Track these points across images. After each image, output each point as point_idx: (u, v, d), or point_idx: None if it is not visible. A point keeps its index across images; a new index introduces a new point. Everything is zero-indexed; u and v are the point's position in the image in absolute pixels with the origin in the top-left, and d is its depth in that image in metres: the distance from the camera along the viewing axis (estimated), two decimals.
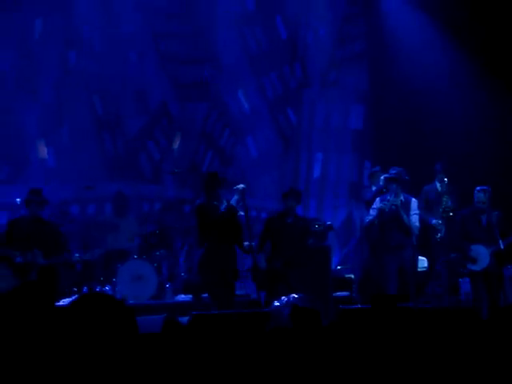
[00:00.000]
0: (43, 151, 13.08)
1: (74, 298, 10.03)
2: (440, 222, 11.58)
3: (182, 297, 11.54)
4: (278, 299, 9.58)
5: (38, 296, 3.14)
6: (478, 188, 10.49)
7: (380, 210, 10.50)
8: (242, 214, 9.79)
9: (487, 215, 10.42)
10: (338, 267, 12.90)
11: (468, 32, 12.98)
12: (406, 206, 10.55)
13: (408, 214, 10.50)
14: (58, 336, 2.75)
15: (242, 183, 9.76)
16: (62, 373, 2.70)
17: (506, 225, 10.53)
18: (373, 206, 10.68)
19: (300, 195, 10.39)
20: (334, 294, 11.45)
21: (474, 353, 3.91)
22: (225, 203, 9.59)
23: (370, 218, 10.68)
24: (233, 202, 9.60)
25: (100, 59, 13.35)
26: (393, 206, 10.44)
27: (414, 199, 10.66)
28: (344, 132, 14.46)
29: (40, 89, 13.06)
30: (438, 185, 11.87)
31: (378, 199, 10.70)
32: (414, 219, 10.54)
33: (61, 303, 9.62)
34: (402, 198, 10.55)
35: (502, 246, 10.16)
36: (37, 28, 13.15)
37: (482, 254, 10.20)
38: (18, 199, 10.31)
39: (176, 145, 13.72)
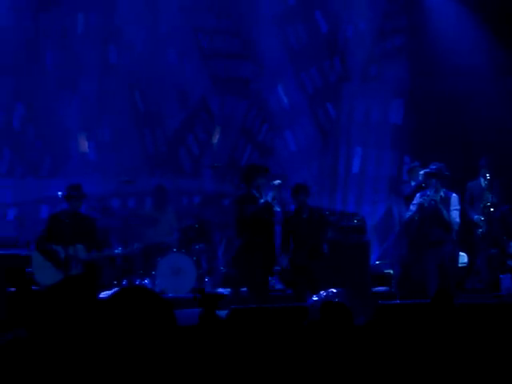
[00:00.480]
0: (84, 145, 13.22)
1: (113, 291, 10.14)
2: (482, 217, 11.51)
3: (221, 290, 11.59)
4: (317, 294, 9.61)
5: (81, 290, 3.19)
6: None
7: (420, 206, 10.47)
8: (279, 209, 9.84)
9: None
10: (377, 262, 12.87)
11: None
12: (446, 201, 10.50)
13: (448, 210, 10.45)
14: (99, 329, 2.79)
15: (281, 178, 9.80)
16: (103, 364, 2.74)
17: None
18: (413, 202, 10.65)
19: (308, 189, 10.45)
20: (372, 290, 11.43)
21: None
22: (264, 198, 9.65)
23: (410, 213, 10.65)
24: (268, 198, 9.66)
25: (141, 55, 13.46)
26: (432, 202, 10.40)
27: (454, 194, 10.60)
28: (383, 127, 14.39)
29: (81, 84, 13.20)
30: (482, 180, 11.79)
31: (417, 194, 10.67)
32: (455, 215, 10.49)
33: (101, 296, 9.72)
34: (441, 193, 10.51)
35: None
36: (79, 24, 13.28)
37: None
38: (60, 193, 10.43)
39: (215, 139, 13.78)
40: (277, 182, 9.78)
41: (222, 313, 7.18)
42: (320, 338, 4.17)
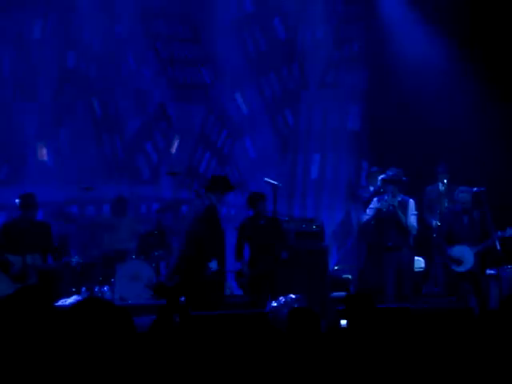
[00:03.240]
0: (42, 152, 13.12)
1: (72, 299, 10.08)
2: (439, 223, 11.64)
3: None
4: (276, 300, 9.65)
5: (38, 299, 3.18)
6: (462, 189, 10.49)
7: (377, 210, 10.57)
8: None
9: (469, 215, 10.37)
10: (336, 267, 12.93)
11: (469, 33, 12.98)
12: (404, 206, 10.59)
13: (405, 215, 10.55)
14: (57, 339, 2.79)
15: (240, 184, 9.88)
16: (60, 374, 2.75)
17: (502, 222, 10.45)
18: (370, 206, 10.73)
19: (265, 196, 10.53)
20: (331, 295, 11.49)
21: (472, 352, 3.95)
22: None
23: (367, 217, 10.74)
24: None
25: (99, 61, 13.40)
26: (390, 207, 10.50)
27: (411, 200, 10.70)
28: (341, 133, 14.48)
29: (39, 90, 13.10)
30: (440, 185, 11.96)
31: (375, 199, 10.76)
32: (412, 220, 10.58)
33: (59, 303, 9.66)
34: (399, 198, 10.60)
35: (479, 249, 10.14)
36: (36, 29, 13.18)
37: (466, 255, 10.17)
38: (17, 200, 10.35)
39: (174, 146, 13.76)
40: None
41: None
42: (287, 344, 4.20)
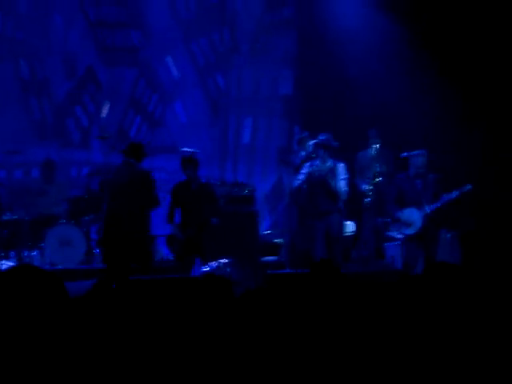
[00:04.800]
0: None
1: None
2: (369, 187, 11.76)
3: None
4: (207, 264, 9.69)
5: None
6: (416, 152, 10.36)
7: (308, 175, 10.62)
8: None
9: (423, 179, 10.40)
10: (267, 232, 13.00)
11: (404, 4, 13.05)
12: (334, 171, 10.66)
13: (336, 180, 10.61)
14: None
15: (171, 149, 9.84)
16: None
17: (442, 188, 10.51)
18: (301, 171, 10.78)
19: (197, 161, 10.53)
20: (262, 259, 11.56)
21: (406, 314, 4.00)
22: None
23: (298, 182, 10.77)
24: None
25: (26, 22, 13.13)
26: (320, 172, 10.57)
27: (341, 164, 10.75)
28: (273, 98, 14.49)
29: None
30: (371, 150, 12.06)
31: (306, 164, 10.79)
32: (342, 184, 10.64)
33: None
34: (330, 163, 10.66)
35: (428, 210, 10.19)
36: None
37: (415, 218, 10.22)
38: None
39: (105, 110, 13.62)
40: None
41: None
42: (202, 309, 4.20)
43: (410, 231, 10.22)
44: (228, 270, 9.45)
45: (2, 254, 11.01)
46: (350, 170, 11.23)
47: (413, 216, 10.18)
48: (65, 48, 13.43)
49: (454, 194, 10.12)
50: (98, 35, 13.66)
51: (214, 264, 9.64)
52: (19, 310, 2.79)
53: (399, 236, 10.52)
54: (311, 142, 11.09)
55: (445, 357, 3.59)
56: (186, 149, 11.21)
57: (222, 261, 9.67)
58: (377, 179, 11.82)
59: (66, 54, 13.44)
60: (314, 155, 10.90)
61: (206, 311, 4.14)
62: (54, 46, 13.32)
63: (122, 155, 9.88)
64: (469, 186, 10.09)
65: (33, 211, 11.56)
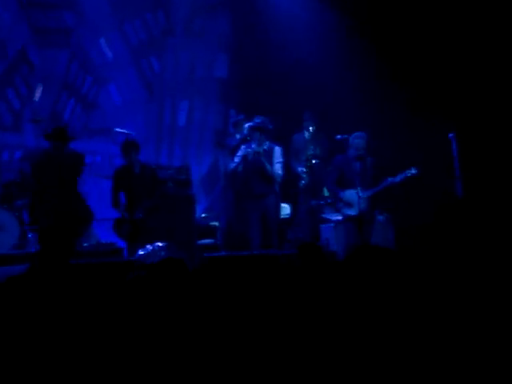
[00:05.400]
0: None
1: None
2: (304, 169, 11.82)
3: None
4: (143, 248, 9.64)
5: None
6: (357, 134, 10.28)
7: (243, 158, 10.65)
8: None
9: (362, 162, 10.40)
10: (203, 215, 12.98)
11: None
12: (270, 154, 10.70)
13: (271, 163, 10.66)
14: None
15: (106, 131, 9.76)
16: None
17: (381, 171, 10.53)
18: (237, 154, 10.80)
19: (138, 145, 10.50)
20: (198, 242, 11.55)
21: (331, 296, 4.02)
22: None
23: (234, 165, 10.81)
24: None
25: None
26: (256, 155, 10.59)
27: (277, 147, 10.81)
28: (209, 80, 14.45)
29: None
30: (306, 133, 12.12)
31: (242, 147, 10.82)
32: (277, 167, 10.70)
33: None
34: (265, 146, 10.70)
35: (368, 194, 10.20)
36: None
37: (355, 199, 10.23)
38: None
39: (37, 93, 13.40)
40: None
41: None
42: (147, 291, 4.19)
43: (351, 212, 10.25)
44: (163, 253, 9.41)
45: None
46: (286, 153, 11.27)
47: (354, 197, 10.20)
48: None
49: (399, 177, 10.17)
50: (30, 16, 13.41)
51: (149, 247, 9.59)
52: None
53: (336, 218, 10.58)
54: (247, 125, 11.09)
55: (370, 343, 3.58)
56: (118, 129, 11.15)
57: (157, 244, 9.64)
58: (312, 161, 11.89)
59: None
60: (249, 138, 10.91)
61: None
62: None
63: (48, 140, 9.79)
64: (414, 171, 10.11)
65: None
